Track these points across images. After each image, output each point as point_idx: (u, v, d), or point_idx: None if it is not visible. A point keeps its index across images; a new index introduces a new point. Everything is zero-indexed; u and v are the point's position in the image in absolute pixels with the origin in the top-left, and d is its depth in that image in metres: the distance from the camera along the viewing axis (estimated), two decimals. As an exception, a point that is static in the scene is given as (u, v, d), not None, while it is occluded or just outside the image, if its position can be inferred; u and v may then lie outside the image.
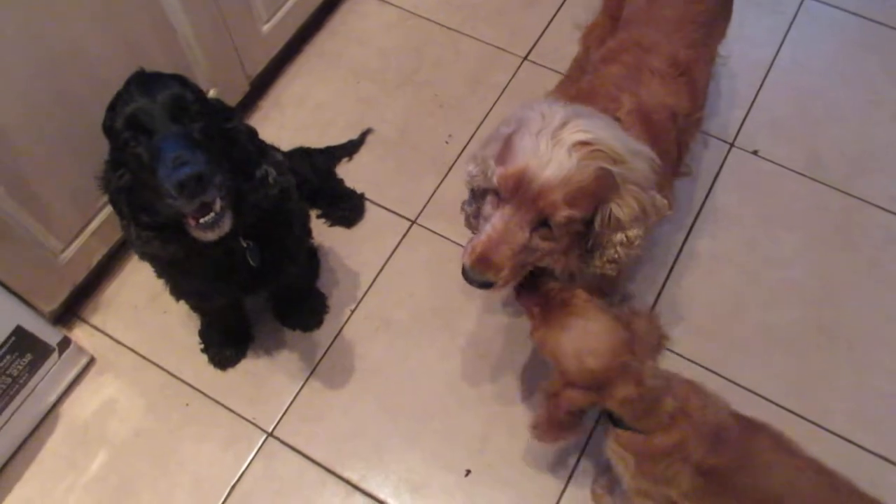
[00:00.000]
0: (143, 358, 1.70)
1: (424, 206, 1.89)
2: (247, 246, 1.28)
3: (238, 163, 1.19)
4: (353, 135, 1.99)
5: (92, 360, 1.69)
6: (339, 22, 2.21)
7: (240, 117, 1.24)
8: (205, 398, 1.66)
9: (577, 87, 1.48)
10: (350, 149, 1.97)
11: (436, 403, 1.64)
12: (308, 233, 1.60)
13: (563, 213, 1.09)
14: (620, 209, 1.14)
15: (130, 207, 1.16)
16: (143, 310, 1.76)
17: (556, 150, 1.08)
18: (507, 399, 1.64)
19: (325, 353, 1.70)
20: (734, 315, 1.73)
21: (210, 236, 1.12)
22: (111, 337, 1.73)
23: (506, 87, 2.08)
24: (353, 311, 1.75)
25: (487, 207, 1.19)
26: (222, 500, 1.55)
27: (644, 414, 1.18)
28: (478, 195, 1.30)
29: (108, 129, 1.11)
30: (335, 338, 1.72)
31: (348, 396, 1.65)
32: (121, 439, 1.62)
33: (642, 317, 1.23)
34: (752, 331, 1.71)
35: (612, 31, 1.66)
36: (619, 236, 1.18)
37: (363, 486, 1.56)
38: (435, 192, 1.91)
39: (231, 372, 1.69)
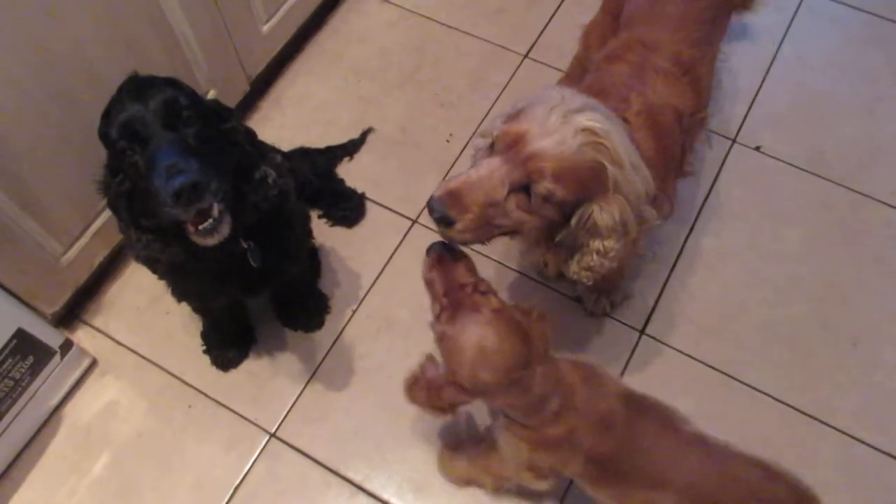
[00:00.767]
0: (145, 359, 1.70)
1: (426, 206, 1.88)
2: (247, 247, 1.27)
3: (236, 164, 1.18)
4: (354, 134, 1.98)
5: (94, 362, 1.69)
6: (339, 21, 2.20)
7: (239, 118, 1.24)
8: (207, 399, 1.65)
9: (585, 86, 1.47)
10: (351, 148, 1.97)
11: (438, 403, 1.64)
12: (309, 233, 1.59)
13: (545, 184, 1.08)
14: (601, 213, 1.12)
15: (130, 212, 1.16)
16: (145, 311, 1.76)
17: (563, 126, 1.08)
18: (510, 398, 1.64)
19: (327, 353, 1.70)
20: (737, 312, 1.73)
21: (210, 241, 1.12)
22: (113, 339, 1.73)
23: (506, 85, 2.07)
24: (354, 311, 1.75)
25: (475, 161, 1.18)
26: (225, 501, 1.55)
27: (530, 414, 1.19)
28: None
29: (104, 136, 1.11)
30: (337, 338, 1.72)
31: (351, 396, 1.65)
32: (123, 441, 1.61)
33: (536, 321, 1.19)
34: (756, 328, 1.70)
35: (612, 29, 1.66)
36: (597, 244, 1.17)
37: (367, 486, 1.56)
38: (436, 191, 1.90)
39: (233, 373, 1.68)
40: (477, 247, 1.79)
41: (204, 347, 1.70)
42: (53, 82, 1.37)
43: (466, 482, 1.52)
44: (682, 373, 1.65)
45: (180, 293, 1.46)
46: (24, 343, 1.48)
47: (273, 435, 1.61)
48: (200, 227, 1.09)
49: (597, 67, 1.51)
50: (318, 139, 1.96)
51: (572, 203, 1.13)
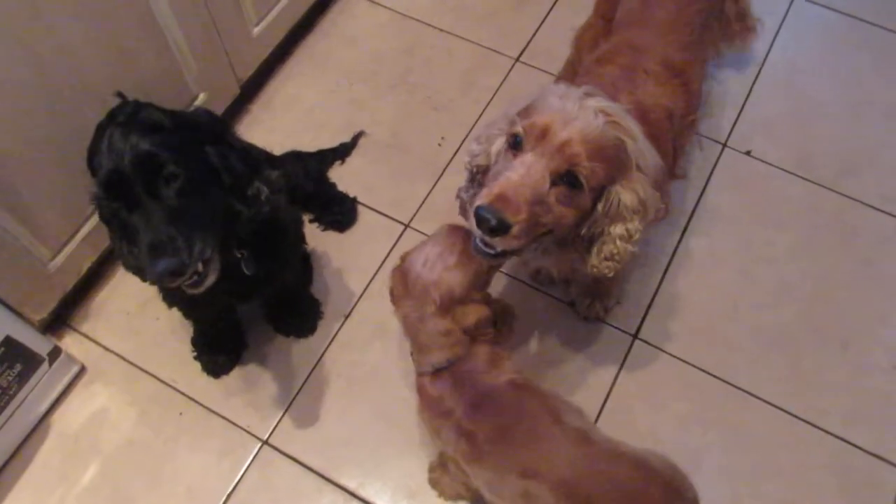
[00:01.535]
0: (135, 366, 1.68)
1: (418, 210, 1.87)
2: (241, 256, 1.26)
3: (230, 185, 1.18)
4: (346, 137, 1.97)
5: (83, 369, 1.67)
6: (330, 23, 2.19)
7: (232, 132, 1.24)
8: (198, 406, 1.64)
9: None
10: (342, 152, 1.96)
11: (432, 409, 1.63)
12: (301, 238, 1.58)
13: (587, 165, 1.08)
14: (625, 194, 1.14)
15: (122, 228, 1.14)
16: (135, 317, 1.74)
17: (581, 111, 1.09)
18: (503, 403, 1.63)
19: (319, 359, 1.69)
20: (729, 315, 1.73)
21: (197, 291, 1.13)
22: (102, 345, 1.70)
23: (498, 88, 2.07)
24: (347, 317, 1.74)
25: (499, 165, 1.16)
26: (217, 509, 1.53)
27: (416, 349, 1.25)
28: (477, 179, 1.29)
29: (91, 172, 1.11)
30: (329, 344, 1.71)
31: (344, 403, 1.64)
32: (113, 449, 1.59)
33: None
34: (747, 331, 1.71)
35: (604, 32, 1.66)
36: (619, 229, 1.17)
37: (361, 493, 1.55)
38: (428, 195, 1.89)
39: (225, 379, 1.67)
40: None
41: (195, 353, 1.68)
42: (42, 86, 1.35)
43: (457, 496, 1.51)
44: (674, 377, 1.66)
45: (171, 299, 1.45)
46: (11, 350, 1.46)
47: (265, 442, 1.60)
48: (186, 284, 1.10)
49: (586, 70, 1.51)
50: (310, 142, 1.95)
51: (602, 186, 1.14)
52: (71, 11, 1.34)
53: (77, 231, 1.61)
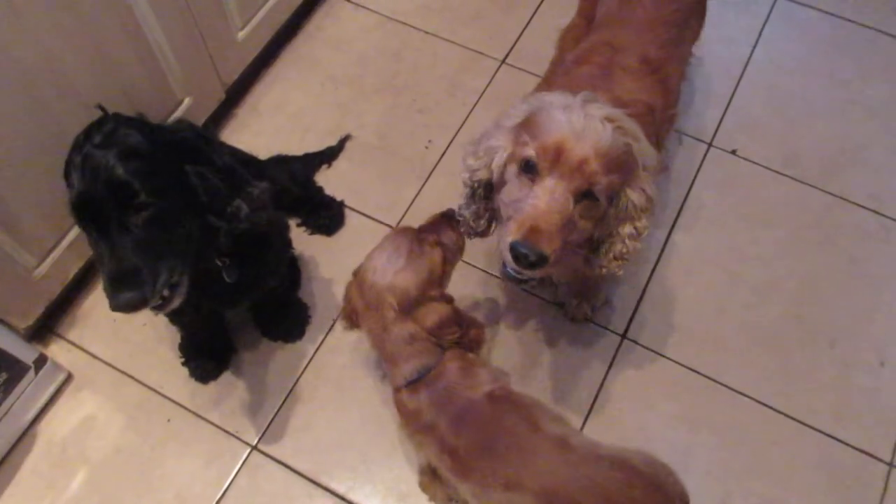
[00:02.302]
0: (122, 373, 1.67)
1: (405, 213, 1.87)
2: (222, 264, 1.26)
3: (208, 202, 1.17)
4: (332, 141, 1.97)
5: (69, 377, 1.66)
6: (315, 27, 2.19)
7: (217, 148, 1.23)
8: (186, 413, 1.63)
9: (551, 91, 1.47)
10: (329, 155, 1.95)
11: (422, 411, 1.63)
12: (288, 244, 1.58)
13: (605, 180, 1.09)
14: (635, 194, 1.15)
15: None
16: (122, 324, 1.73)
17: (588, 121, 1.09)
18: (493, 405, 1.63)
19: (308, 363, 1.68)
20: (717, 315, 1.74)
21: (163, 311, 1.14)
22: (88, 352, 1.69)
23: (484, 90, 2.07)
24: (335, 321, 1.73)
25: (514, 190, 1.15)
26: (207, 516, 1.53)
27: (386, 362, 1.25)
28: (478, 194, 1.28)
29: (67, 184, 1.10)
30: (318, 348, 1.70)
31: (333, 407, 1.63)
32: (100, 457, 1.58)
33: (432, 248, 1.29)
34: (735, 330, 1.72)
35: (586, 33, 1.66)
36: (629, 228, 1.19)
37: (350, 497, 1.54)
38: (416, 198, 1.89)
39: (213, 385, 1.66)
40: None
41: (182, 359, 1.67)
42: (24, 92, 1.34)
43: (447, 499, 1.50)
44: (663, 376, 1.66)
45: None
46: (-4, 359, 1.45)
47: (254, 447, 1.59)
48: (151, 307, 1.10)
49: (565, 71, 1.51)
50: (296, 146, 1.94)
51: (615, 192, 1.15)
52: (53, 18, 1.33)
53: (62, 238, 1.60)
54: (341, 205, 1.87)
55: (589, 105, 1.13)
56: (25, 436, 1.60)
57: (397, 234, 1.27)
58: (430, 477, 1.50)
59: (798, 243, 1.83)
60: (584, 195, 1.11)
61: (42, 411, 1.62)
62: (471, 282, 1.78)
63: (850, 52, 2.14)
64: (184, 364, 1.67)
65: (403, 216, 1.87)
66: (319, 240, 1.84)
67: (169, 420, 1.62)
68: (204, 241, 1.18)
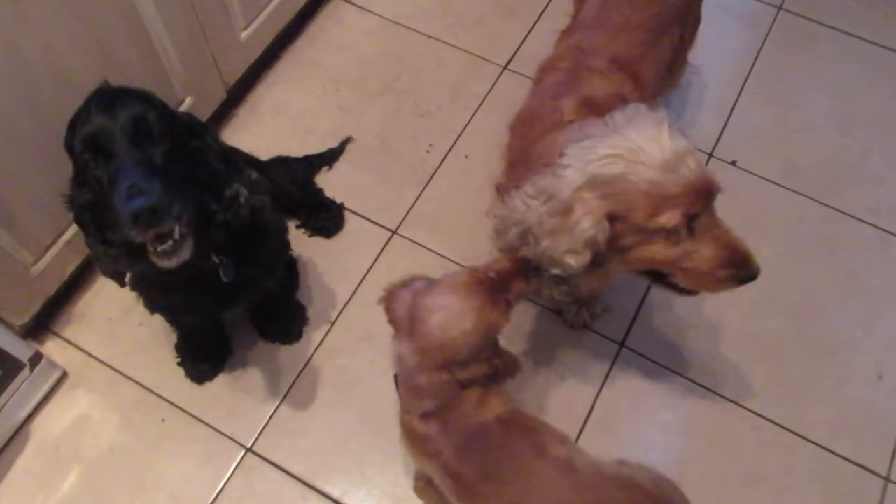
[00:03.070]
0: (118, 372, 1.66)
1: (405, 216, 1.87)
2: (219, 262, 1.25)
3: (207, 182, 1.16)
4: (333, 143, 1.97)
5: (64, 375, 1.65)
6: (318, 29, 2.18)
7: (213, 133, 1.21)
8: (181, 413, 1.62)
9: (519, 113, 1.44)
10: (329, 157, 1.95)
11: (418, 416, 1.62)
12: (286, 245, 1.57)
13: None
14: None
15: (96, 226, 1.13)
16: (118, 322, 1.72)
17: (675, 140, 1.08)
18: (490, 411, 1.63)
19: (305, 365, 1.67)
20: (715, 325, 1.74)
21: (168, 264, 1.09)
22: (84, 351, 1.68)
23: (486, 96, 2.07)
24: (333, 323, 1.73)
25: (670, 247, 1.13)
26: (200, 517, 1.52)
27: (405, 389, 1.21)
28: (531, 236, 1.19)
29: (69, 147, 1.08)
30: (315, 350, 1.69)
31: (329, 410, 1.63)
32: (94, 456, 1.57)
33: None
34: (733, 341, 1.72)
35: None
36: None
37: (345, 501, 1.53)
38: (416, 201, 1.89)
39: (209, 386, 1.65)
40: (458, 258, 1.79)
41: (178, 360, 1.66)
42: (23, 88, 1.33)
43: None
44: (660, 385, 1.66)
45: (152, 306, 1.43)
46: (-9, 356, 1.44)
47: (249, 449, 1.58)
48: (159, 249, 1.06)
49: (535, 80, 1.50)
50: (297, 148, 1.94)
51: None
52: (55, 14, 1.32)
53: (60, 235, 1.59)
54: (341, 207, 1.87)
55: (665, 132, 1.09)
56: (18, 434, 1.58)
57: (473, 283, 1.15)
58: (425, 483, 1.49)
59: (796, 255, 1.84)
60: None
61: (36, 409, 1.61)
62: (470, 287, 1.78)
63: (851, 65, 2.15)
64: (180, 364, 1.66)
65: (403, 219, 1.86)
66: (318, 242, 1.83)
67: (164, 420, 1.61)
68: (200, 226, 1.15)
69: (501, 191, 1.42)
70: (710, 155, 1.98)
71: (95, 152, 1.05)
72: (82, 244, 1.61)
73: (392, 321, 1.22)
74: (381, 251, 1.82)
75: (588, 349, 1.71)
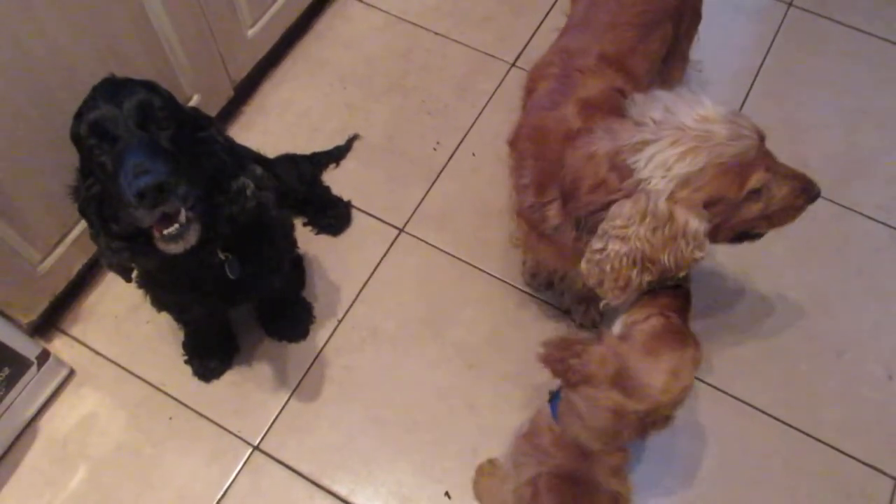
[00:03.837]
0: (125, 370, 1.66)
1: (412, 214, 1.86)
2: (225, 259, 1.24)
3: (212, 174, 1.15)
4: (340, 141, 1.96)
5: (72, 373, 1.65)
6: (325, 26, 2.18)
7: (219, 126, 1.21)
8: (188, 411, 1.62)
9: (522, 128, 1.42)
10: (336, 155, 1.95)
11: (425, 414, 1.62)
12: (292, 242, 1.57)
13: None
14: None
15: (100, 217, 1.13)
16: (125, 320, 1.72)
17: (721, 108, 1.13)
18: (497, 409, 1.62)
19: (311, 363, 1.67)
20: (723, 323, 1.73)
21: (174, 249, 1.08)
22: (91, 348, 1.68)
23: (493, 93, 2.06)
24: (340, 321, 1.72)
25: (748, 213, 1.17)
26: (207, 516, 1.52)
27: (578, 425, 1.19)
28: None
29: (75, 137, 1.08)
30: (322, 348, 1.69)
31: (336, 408, 1.62)
32: (101, 454, 1.57)
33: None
34: (742, 339, 1.71)
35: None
36: None
37: (352, 500, 1.53)
38: (423, 199, 1.88)
39: (216, 384, 1.65)
40: (466, 257, 1.79)
41: (185, 357, 1.66)
42: (31, 85, 1.33)
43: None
44: (669, 385, 1.65)
45: (158, 303, 1.43)
46: (-1, 354, 1.44)
47: (256, 447, 1.58)
48: (165, 232, 1.05)
49: (527, 88, 1.49)
50: (304, 145, 1.93)
51: None
52: (63, 11, 1.32)
53: (67, 234, 1.59)
54: (348, 205, 1.86)
55: (706, 105, 1.12)
56: (26, 432, 1.59)
57: (674, 331, 1.16)
58: (489, 478, 1.50)
59: (806, 254, 1.82)
60: None
61: (43, 407, 1.61)
62: (477, 286, 1.77)
63: (862, 62, 2.13)
64: (187, 362, 1.66)
65: (410, 218, 1.86)
66: (325, 239, 1.83)
67: (171, 418, 1.61)
68: (208, 220, 1.14)
69: (525, 215, 1.40)
70: (719, 152, 1.97)
71: (101, 138, 1.05)
72: (89, 243, 1.61)
73: (573, 375, 1.17)
74: (388, 249, 1.82)
75: (596, 348, 1.70)
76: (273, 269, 1.43)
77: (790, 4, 2.23)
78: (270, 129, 1.99)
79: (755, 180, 1.12)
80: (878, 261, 1.81)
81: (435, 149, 1.97)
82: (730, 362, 1.68)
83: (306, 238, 1.82)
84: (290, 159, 1.87)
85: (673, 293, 1.21)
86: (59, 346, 1.68)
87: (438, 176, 1.92)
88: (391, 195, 1.89)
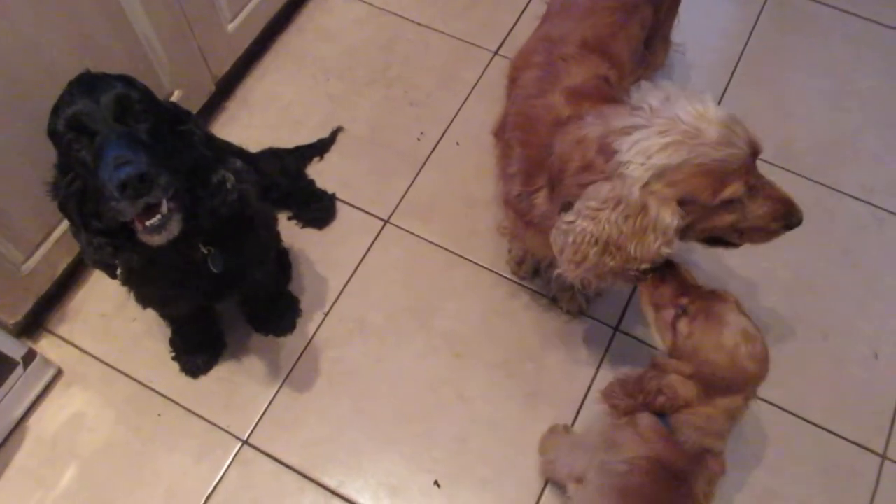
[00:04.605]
0: (112, 368, 1.66)
1: (397, 205, 1.86)
2: (207, 253, 1.24)
3: (192, 167, 1.15)
4: (324, 133, 1.95)
5: (59, 373, 1.65)
6: (306, 19, 2.17)
7: (198, 121, 1.20)
8: (177, 407, 1.62)
9: (509, 121, 1.43)
10: (320, 148, 1.94)
11: (413, 405, 1.62)
12: (276, 236, 1.57)
13: None
14: None
15: (81, 214, 1.12)
16: (111, 318, 1.72)
17: (723, 112, 1.11)
18: (486, 398, 1.63)
19: (299, 357, 1.67)
20: (710, 307, 1.73)
21: (157, 240, 1.08)
22: (78, 347, 1.68)
23: (477, 82, 2.05)
24: (326, 314, 1.72)
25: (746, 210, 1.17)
26: (198, 511, 1.52)
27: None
28: None
29: (52, 134, 1.08)
30: (309, 341, 1.69)
31: (324, 401, 1.63)
32: (91, 453, 1.57)
33: None
34: (728, 322, 1.71)
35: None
36: None
37: (342, 491, 1.54)
38: (407, 190, 1.88)
39: (203, 380, 1.65)
40: (452, 246, 1.79)
41: (172, 354, 1.66)
42: (6, 84, 1.32)
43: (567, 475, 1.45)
44: (656, 369, 1.66)
45: (142, 299, 1.43)
46: (-17, 355, 1.44)
47: (245, 442, 1.58)
48: (148, 224, 1.05)
49: (511, 77, 1.49)
50: (287, 139, 1.93)
51: None
52: (35, 7, 1.31)
53: (50, 233, 1.58)
54: (333, 197, 1.86)
55: (700, 101, 1.12)
56: (15, 432, 1.59)
57: (730, 304, 1.19)
58: (563, 432, 1.52)
59: (790, 234, 1.79)
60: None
61: (32, 407, 1.61)
62: (460, 274, 1.77)
63: (844, 42, 2.13)
64: (174, 359, 1.66)
65: (395, 208, 1.85)
66: (310, 233, 1.83)
67: (159, 415, 1.61)
68: (189, 208, 1.14)
69: (513, 204, 1.41)
70: (703, 136, 1.97)
71: (79, 132, 1.04)
72: (73, 242, 1.60)
73: (669, 409, 1.18)
74: (374, 241, 1.81)
75: (583, 335, 1.70)
76: (257, 262, 1.42)
77: (773, -14, 2.23)
78: (254, 123, 1.99)
79: (730, 191, 1.11)
80: (862, 241, 1.82)
81: (419, 139, 1.96)
82: (716, 345, 1.68)
83: (292, 232, 1.82)
84: (273, 153, 1.87)
85: (665, 280, 1.22)
86: (46, 345, 1.68)
87: (423, 166, 1.92)
88: (376, 187, 1.89)
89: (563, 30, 1.42)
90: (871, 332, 1.70)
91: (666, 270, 1.22)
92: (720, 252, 1.77)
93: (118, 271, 1.30)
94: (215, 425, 1.60)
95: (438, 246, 1.81)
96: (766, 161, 1.92)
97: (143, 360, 1.67)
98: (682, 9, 1.75)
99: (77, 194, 1.12)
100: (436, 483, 1.54)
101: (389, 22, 2.16)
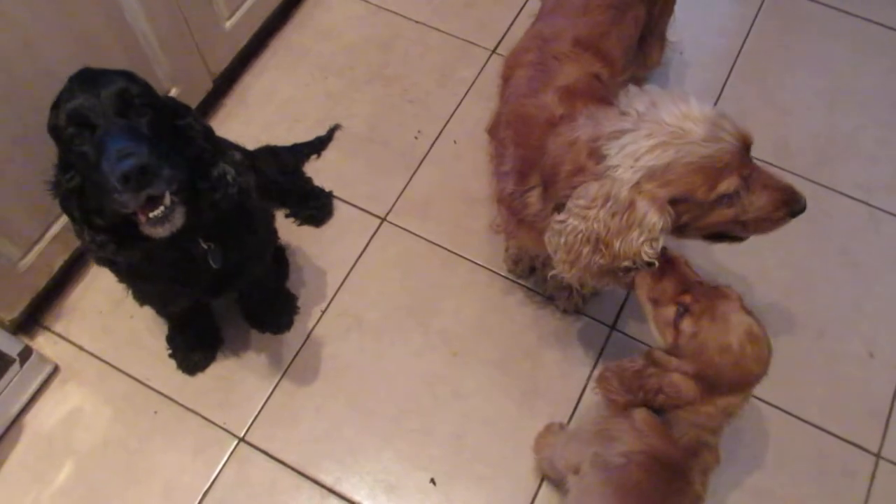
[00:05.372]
0: (109, 365, 1.66)
1: (394, 203, 1.86)
2: (207, 248, 1.24)
3: (193, 161, 1.15)
4: (321, 131, 1.96)
5: (56, 369, 1.65)
6: (304, 16, 2.17)
7: (196, 116, 1.20)
8: (174, 404, 1.62)
9: (503, 120, 1.42)
10: (318, 146, 1.94)
11: (410, 402, 1.62)
12: (273, 233, 1.57)
13: None
14: None
15: (82, 210, 1.12)
16: (108, 315, 1.72)
17: (707, 109, 1.13)
18: (482, 396, 1.63)
19: (296, 354, 1.68)
20: (706, 306, 1.73)
21: (161, 232, 1.08)
22: (75, 344, 1.68)
23: (474, 81, 2.06)
24: (323, 312, 1.73)
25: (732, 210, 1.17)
26: (194, 507, 1.52)
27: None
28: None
29: (53, 129, 1.08)
30: (306, 339, 1.69)
31: (321, 398, 1.63)
32: (87, 449, 1.58)
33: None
34: (725, 321, 1.71)
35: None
36: None
37: (338, 488, 1.54)
38: (405, 188, 1.88)
39: (200, 377, 1.65)
40: (449, 245, 1.79)
41: (169, 351, 1.66)
42: (4, 82, 1.32)
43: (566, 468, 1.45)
44: (652, 367, 1.66)
45: (141, 296, 1.44)
46: (-21, 352, 1.44)
47: (242, 439, 1.59)
48: (151, 215, 1.05)
49: (504, 76, 1.48)
50: (285, 136, 1.93)
51: None
52: (31, 5, 1.31)
53: (47, 230, 1.58)
54: (330, 195, 1.86)
55: (691, 104, 1.12)
56: (11, 428, 1.59)
57: (735, 299, 1.18)
58: (556, 430, 1.52)
59: (787, 233, 1.79)
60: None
61: (28, 404, 1.61)
62: (458, 273, 1.78)
63: (842, 41, 2.13)
64: (171, 356, 1.66)
65: (393, 206, 1.86)
66: (308, 230, 1.83)
67: (156, 412, 1.61)
68: (191, 206, 1.14)
69: (506, 202, 1.41)
70: (701, 135, 1.97)
71: (80, 127, 1.04)
72: (70, 238, 1.62)
73: (668, 407, 1.18)
74: (371, 238, 1.82)
75: (579, 333, 1.71)
76: (255, 258, 1.43)
77: (771, -15, 2.23)
78: (251, 120, 1.99)
79: (726, 185, 1.11)
80: (858, 240, 1.82)
81: (416, 137, 1.96)
82: (712, 344, 1.68)
83: (289, 229, 1.82)
84: (271, 151, 1.87)
85: (665, 274, 1.22)
86: (43, 342, 1.68)
87: (420, 164, 1.92)
88: (373, 185, 1.89)
89: (556, 28, 1.43)
90: (866, 331, 1.70)
91: (665, 265, 1.22)
92: (714, 249, 1.78)
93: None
94: (212, 422, 1.60)
95: (435, 244, 1.81)
96: (763, 160, 1.91)
97: (140, 357, 1.67)
98: (679, 7, 1.75)
99: (78, 191, 1.12)
100: (432, 480, 1.55)
101: (388, 20, 2.16)
